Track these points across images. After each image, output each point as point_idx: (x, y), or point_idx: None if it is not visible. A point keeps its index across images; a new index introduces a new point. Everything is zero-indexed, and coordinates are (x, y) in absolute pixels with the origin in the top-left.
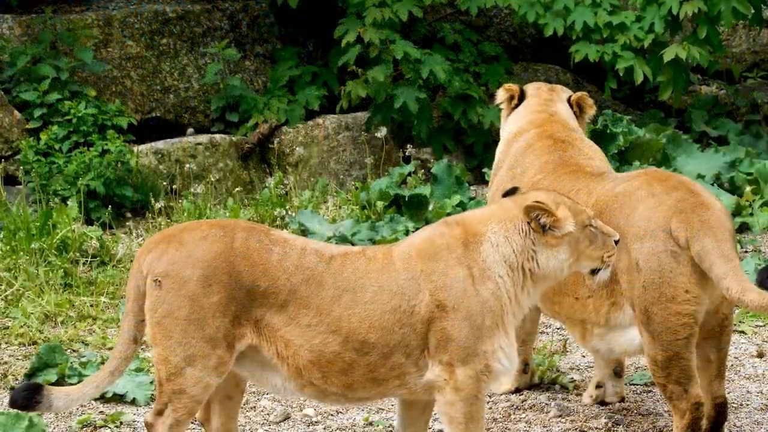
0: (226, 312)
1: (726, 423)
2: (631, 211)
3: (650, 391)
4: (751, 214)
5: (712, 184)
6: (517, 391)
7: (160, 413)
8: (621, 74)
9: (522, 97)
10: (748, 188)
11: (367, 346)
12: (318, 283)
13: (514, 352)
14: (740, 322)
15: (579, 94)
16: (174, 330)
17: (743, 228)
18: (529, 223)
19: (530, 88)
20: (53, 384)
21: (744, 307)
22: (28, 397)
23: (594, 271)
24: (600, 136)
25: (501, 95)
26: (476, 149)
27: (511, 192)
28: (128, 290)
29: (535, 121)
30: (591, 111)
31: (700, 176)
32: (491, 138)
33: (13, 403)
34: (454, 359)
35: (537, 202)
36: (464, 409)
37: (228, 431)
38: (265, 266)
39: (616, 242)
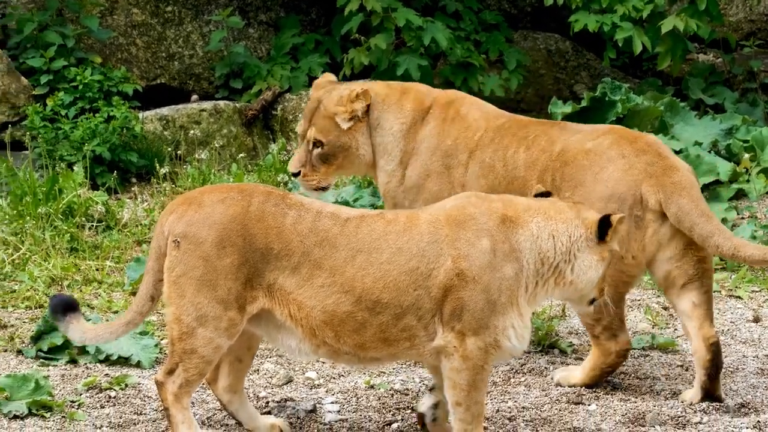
0: (238, 274)
1: (723, 386)
2: (600, 170)
3: (647, 356)
4: (748, 181)
5: (710, 151)
6: None
7: (170, 372)
8: (620, 45)
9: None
10: (745, 155)
11: (380, 305)
12: (332, 245)
13: (526, 334)
14: (736, 287)
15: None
16: (188, 290)
17: (740, 195)
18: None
19: (375, 86)
20: (58, 347)
21: (740, 262)
22: (59, 306)
23: (592, 301)
24: (599, 104)
25: (363, 103)
26: None
27: (544, 194)
28: (151, 249)
29: (438, 99)
30: None
31: (698, 143)
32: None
33: (52, 300)
34: (466, 329)
35: (612, 217)
36: (469, 377)
37: (234, 392)
38: (279, 229)
39: None
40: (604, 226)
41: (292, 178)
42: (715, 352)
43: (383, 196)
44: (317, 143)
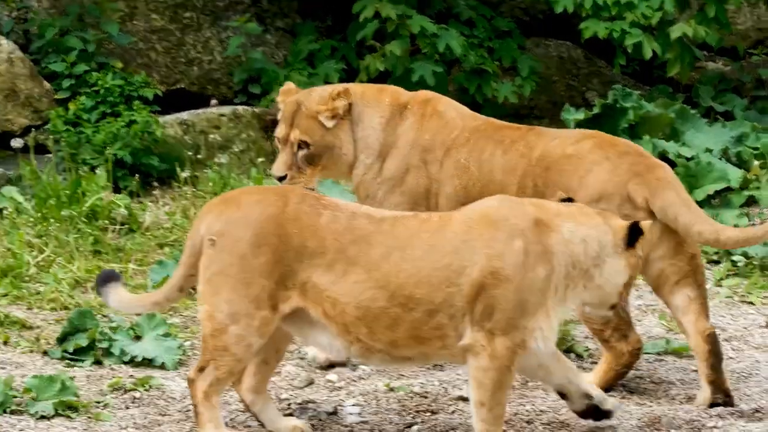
0: (272, 273)
1: (737, 391)
2: (585, 173)
3: (662, 360)
4: (758, 188)
5: (720, 158)
6: None
7: (202, 370)
8: (629, 51)
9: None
10: (755, 162)
11: (413, 301)
12: (367, 242)
13: (552, 337)
14: (749, 293)
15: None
16: (222, 287)
17: (750, 201)
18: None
19: (353, 87)
20: (84, 348)
21: (721, 247)
22: (102, 278)
23: (613, 306)
24: (610, 111)
25: (344, 101)
26: None
27: (567, 200)
28: (186, 246)
29: (416, 97)
30: None
31: (708, 150)
32: (506, 112)
33: (99, 274)
34: (496, 328)
35: (642, 224)
36: (495, 377)
37: (258, 393)
38: (314, 228)
39: None
40: (634, 233)
41: (277, 183)
42: (713, 342)
43: (356, 188)
44: (302, 144)
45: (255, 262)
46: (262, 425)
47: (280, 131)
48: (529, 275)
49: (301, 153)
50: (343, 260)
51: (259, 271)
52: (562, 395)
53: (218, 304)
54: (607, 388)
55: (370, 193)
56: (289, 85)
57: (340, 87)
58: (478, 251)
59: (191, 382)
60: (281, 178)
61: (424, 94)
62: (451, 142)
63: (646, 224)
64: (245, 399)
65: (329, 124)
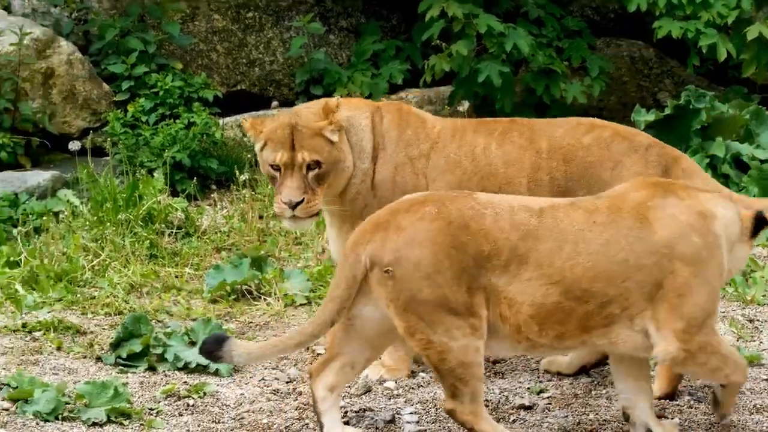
0: (461, 284)
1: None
2: (615, 165)
3: None
4: None
5: None
6: (584, 369)
7: (454, 396)
8: (704, 51)
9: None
10: None
11: (588, 294)
12: (535, 237)
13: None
14: None
15: None
16: (423, 312)
17: None
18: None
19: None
20: (137, 354)
21: None
22: (212, 347)
23: None
24: (683, 112)
25: (341, 114)
26: None
27: None
28: (341, 278)
29: (385, 102)
30: None
31: None
32: (574, 112)
33: (200, 351)
34: (691, 326)
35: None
36: (717, 359)
37: (332, 392)
38: (484, 231)
39: None
40: (760, 223)
41: (290, 210)
42: None
43: (354, 198)
44: (313, 165)
45: (442, 279)
46: (321, 427)
47: (279, 157)
48: (711, 265)
49: (312, 173)
50: (516, 259)
51: (449, 286)
52: (626, 417)
53: (429, 328)
54: (672, 394)
55: (368, 202)
56: (245, 122)
57: (332, 101)
58: (656, 251)
59: (452, 412)
60: (298, 203)
61: (391, 101)
62: (436, 136)
63: None
64: (317, 394)
65: (335, 137)
